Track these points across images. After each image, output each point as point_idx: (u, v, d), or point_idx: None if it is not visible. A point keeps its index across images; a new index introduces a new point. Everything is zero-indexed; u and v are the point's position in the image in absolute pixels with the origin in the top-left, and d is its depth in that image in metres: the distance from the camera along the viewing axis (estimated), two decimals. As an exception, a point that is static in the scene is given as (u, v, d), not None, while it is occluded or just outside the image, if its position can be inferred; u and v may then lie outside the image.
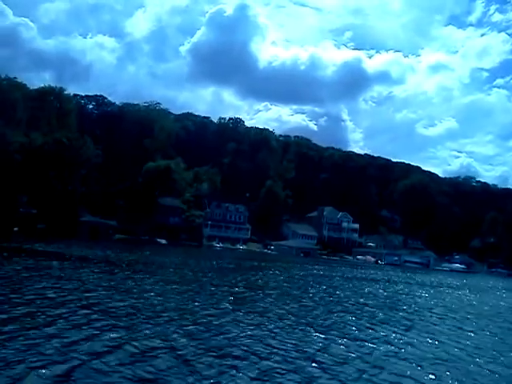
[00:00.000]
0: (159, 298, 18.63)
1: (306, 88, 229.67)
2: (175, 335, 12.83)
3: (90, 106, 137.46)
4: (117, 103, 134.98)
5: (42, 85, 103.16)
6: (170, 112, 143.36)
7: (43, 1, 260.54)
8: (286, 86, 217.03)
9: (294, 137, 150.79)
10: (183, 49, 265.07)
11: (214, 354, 11.43)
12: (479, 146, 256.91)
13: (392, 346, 14.22)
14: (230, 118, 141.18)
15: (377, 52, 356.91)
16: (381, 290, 32.79)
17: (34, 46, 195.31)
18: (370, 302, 24.63)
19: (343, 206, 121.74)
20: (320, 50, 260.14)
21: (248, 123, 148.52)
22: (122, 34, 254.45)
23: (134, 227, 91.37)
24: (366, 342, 14.43)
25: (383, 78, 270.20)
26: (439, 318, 21.54)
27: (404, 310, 23.49)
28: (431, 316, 22.12)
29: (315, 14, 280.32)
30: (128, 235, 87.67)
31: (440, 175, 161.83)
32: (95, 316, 14.28)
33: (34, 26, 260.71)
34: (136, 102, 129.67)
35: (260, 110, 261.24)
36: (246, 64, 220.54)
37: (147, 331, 12.91)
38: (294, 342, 13.43)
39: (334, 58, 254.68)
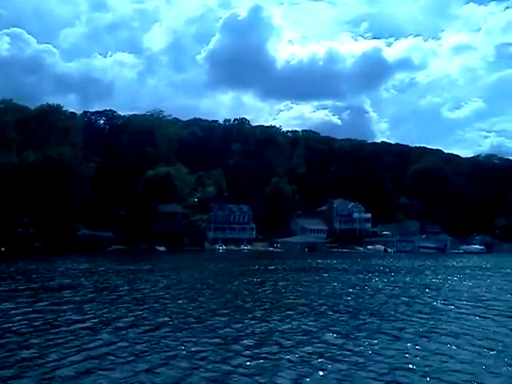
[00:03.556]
0: None
1: (325, 83, 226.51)
2: None
3: (101, 121, 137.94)
4: (126, 116, 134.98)
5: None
6: (177, 119, 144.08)
7: (63, 26, 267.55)
8: (306, 83, 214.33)
9: (302, 131, 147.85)
10: (200, 57, 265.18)
11: None
12: (511, 123, 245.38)
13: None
14: (236, 119, 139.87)
15: (396, 39, 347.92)
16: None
17: (57, 71, 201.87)
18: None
19: (357, 197, 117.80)
20: (337, 43, 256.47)
21: (271, 123, 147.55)
22: (140, 50, 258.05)
23: (133, 237, 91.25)
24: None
25: (404, 64, 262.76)
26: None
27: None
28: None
29: (329, 8, 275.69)
30: (127, 245, 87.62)
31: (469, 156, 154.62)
32: None
33: (57, 51, 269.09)
34: (142, 113, 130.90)
35: (282, 110, 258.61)
36: (263, 65, 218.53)
37: None
38: None
39: (352, 50, 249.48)
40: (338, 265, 48.39)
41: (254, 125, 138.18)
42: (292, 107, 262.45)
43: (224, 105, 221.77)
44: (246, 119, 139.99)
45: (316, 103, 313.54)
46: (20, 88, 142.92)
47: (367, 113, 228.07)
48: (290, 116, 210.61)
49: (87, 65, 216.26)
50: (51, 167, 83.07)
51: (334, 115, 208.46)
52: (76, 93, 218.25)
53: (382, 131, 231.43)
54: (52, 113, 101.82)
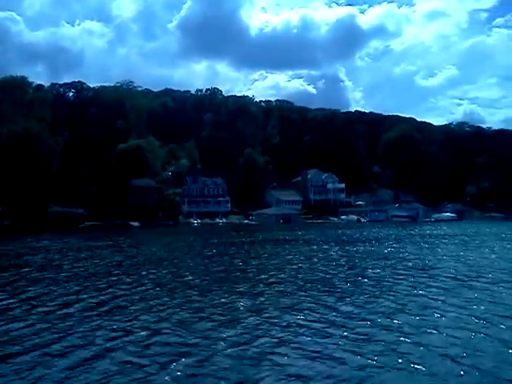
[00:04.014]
0: None
1: (300, 52, 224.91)
2: None
3: (70, 94, 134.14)
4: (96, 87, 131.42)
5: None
6: (149, 89, 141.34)
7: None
8: (280, 51, 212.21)
9: (276, 101, 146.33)
10: (172, 25, 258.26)
11: None
12: (483, 91, 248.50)
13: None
14: (208, 89, 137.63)
15: (370, 6, 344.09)
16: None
17: (23, 40, 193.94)
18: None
19: (331, 167, 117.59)
20: (311, 10, 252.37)
21: (246, 93, 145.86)
22: (109, 18, 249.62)
23: (106, 212, 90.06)
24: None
25: (378, 32, 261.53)
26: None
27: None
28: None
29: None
30: (100, 221, 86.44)
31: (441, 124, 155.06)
32: None
33: (21, 19, 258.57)
34: (112, 84, 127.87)
35: (256, 80, 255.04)
36: (237, 34, 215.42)
37: None
38: None
39: (326, 17, 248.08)
40: (304, 236, 48.39)
41: (226, 95, 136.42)
42: (267, 76, 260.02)
43: (198, 74, 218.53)
44: (218, 89, 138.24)
45: (291, 72, 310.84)
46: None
47: (342, 81, 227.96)
48: (265, 86, 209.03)
49: (54, 34, 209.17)
50: (17, 142, 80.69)
51: (309, 84, 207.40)
52: (44, 63, 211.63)
53: (357, 100, 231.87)
54: (16, 85, 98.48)
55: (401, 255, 27.21)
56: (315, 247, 33.29)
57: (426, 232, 54.65)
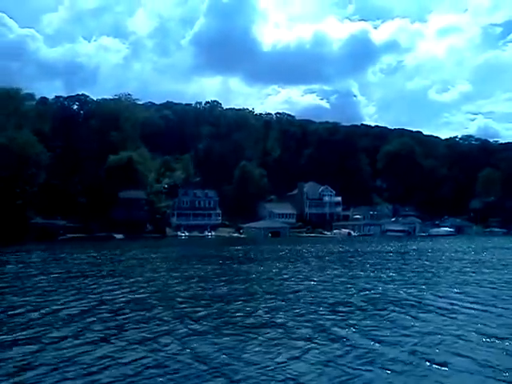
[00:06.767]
0: None
1: (313, 67, 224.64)
2: None
3: (75, 106, 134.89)
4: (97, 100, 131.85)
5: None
6: (152, 103, 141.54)
7: (46, 10, 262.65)
8: (293, 66, 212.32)
9: (276, 113, 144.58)
10: (185, 41, 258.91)
11: None
12: (498, 105, 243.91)
13: None
14: (207, 102, 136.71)
15: (383, 22, 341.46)
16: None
17: (41, 56, 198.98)
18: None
19: (332, 180, 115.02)
20: (324, 25, 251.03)
21: (259, 108, 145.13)
22: (125, 34, 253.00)
23: (91, 225, 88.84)
24: None
25: (391, 47, 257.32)
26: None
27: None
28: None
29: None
30: (84, 233, 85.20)
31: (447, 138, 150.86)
32: None
33: (40, 37, 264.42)
34: (112, 97, 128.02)
35: (269, 94, 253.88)
36: (250, 49, 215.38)
37: None
38: None
39: (338, 32, 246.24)
40: (254, 253, 44.83)
41: (225, 107, 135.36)
42: (279, 91, 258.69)
43: (211, 89, 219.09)
44: (217, 101, 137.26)
45: (304, 87, 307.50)
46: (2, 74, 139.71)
47: (355, 96, 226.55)
48: (279, 100, 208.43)
49: (71, 50, 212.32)
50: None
51: (322, 99, 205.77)
52: (61, 78, 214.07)
53: (370, 115, 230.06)
54: (9, 97, 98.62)
55: (287, 276, 24.25)
56: (235, 266, 30.32)
57: (403, 249, 50.81)
